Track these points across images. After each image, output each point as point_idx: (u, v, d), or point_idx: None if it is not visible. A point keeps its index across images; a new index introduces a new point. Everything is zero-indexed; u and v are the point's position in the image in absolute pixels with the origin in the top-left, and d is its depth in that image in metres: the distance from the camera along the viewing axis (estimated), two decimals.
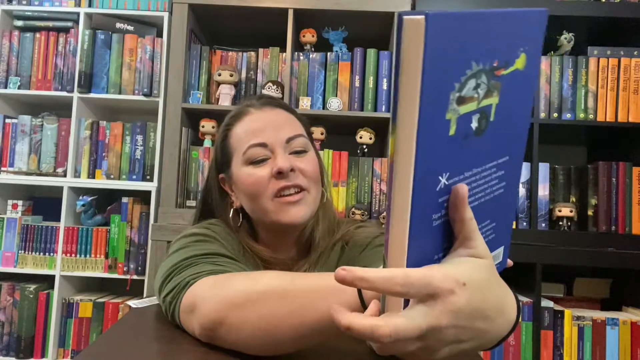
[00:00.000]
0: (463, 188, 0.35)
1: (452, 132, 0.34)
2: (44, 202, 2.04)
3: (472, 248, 0.37)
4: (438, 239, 0.37)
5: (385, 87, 1.76)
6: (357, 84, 1.77)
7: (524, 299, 1.63)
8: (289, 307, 0.52)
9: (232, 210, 0.84)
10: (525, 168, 1.68)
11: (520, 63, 0.39)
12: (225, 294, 0.56)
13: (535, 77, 0.43)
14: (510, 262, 0.52)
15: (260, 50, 1.86)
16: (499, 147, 0.40)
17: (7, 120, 1.95)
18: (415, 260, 0.35)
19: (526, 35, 0.39)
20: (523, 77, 0.40)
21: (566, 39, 1.76)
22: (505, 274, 0.44)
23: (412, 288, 0.33)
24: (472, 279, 0.35)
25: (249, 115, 0.83)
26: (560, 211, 1.68)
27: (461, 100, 0.34)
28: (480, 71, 0.35)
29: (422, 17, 0.29)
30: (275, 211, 0.77)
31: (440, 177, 0.35)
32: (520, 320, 0.42)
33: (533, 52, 0.40)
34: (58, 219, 1.86)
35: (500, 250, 0.47)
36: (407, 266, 0.34)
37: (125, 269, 1.84)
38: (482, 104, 0.36)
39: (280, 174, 0.76)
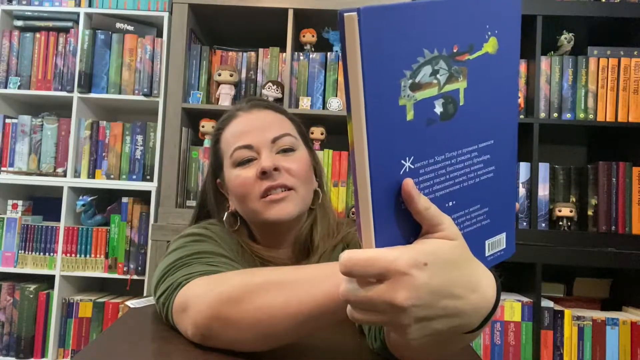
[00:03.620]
0: (407, 183, 0.36)
1: (409, 117, 0.36)
2: (44, 202, 2.04)
3: (440, 231, 0.37)
4: (412, 222, 0.38)
5: None
6: None
7: (524, 299, 1.63)
8: (285, 296, 0.53)
9: (226, 213, 0.84)
10: (525, 168, 1.69)
11: (489, 47, 0.40)
12: (220, 290, 0.57)
13: (516, 60, 0.43)
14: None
15: (260, 50, 1.86)
16: (478, 131, 0.41)
17: (7, 120, 1.95)
18: (387, 243, 0.36)
19: (494, 19, 0.40)
20: (497, 61, 0.41)
21: (566, 39, 1.76)
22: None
23: (354, 268, 0.35)
24: (435, 259, 0.36)
25: (237, 118, 0.84)
26: (560, 211, 1.68)
27: (417, 87, 0.36)
28: (436, 57, 0.36)
29: (355, 13, 0.32)
30: (262, 210, 0.77)
31: (403, 162, 0.36)
32: (499, 300, 0.42)
33: (507, 35, 0.41)
34: (58, 219, 1.86)
35: (502, 236, 0.47)
36: (377, 247, 0.36)
37: (125, 269, 1.84)
38: (445, 89, 0.38)
39: (264, 174, 0.76)
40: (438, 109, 0.37)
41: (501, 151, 0.44)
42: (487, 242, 0.45)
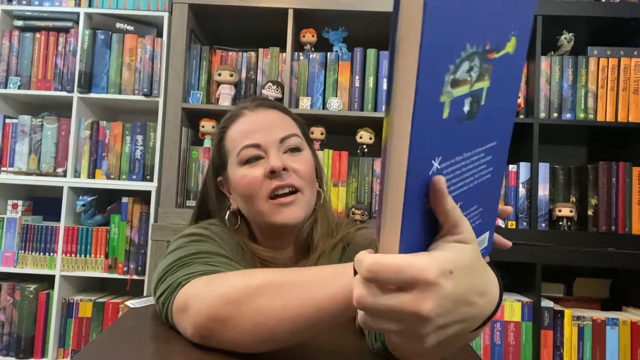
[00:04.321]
0: (440, 181, 0.35)
1: (445, 115, 0.34)
2: (44, 202, 2.04)
3: (459, 234, 0.36)
4: (430, 223, 0.37)
5: (385, 87, 1.76)
6: (357, 84, 1.77)
7: (524, 299, 1.63)
8: (285, 298, 0.53)
9: (228, 212, 0.84)
10: (525, 168, 1.68)
11: (510, 47, 0.39)
12: (220, 291, 0.56)
13: (523, 63, 0.43)
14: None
15: (260, 50, 1.86)
16: (488, 132, 0.40)
17: (7, 120, 1.95)
18: (408, 245, 0.35)
19: (517, 19, 0.39)
20: (512, 62, 0.40)
21: (566, 39, 1.76)
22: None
23: (380, 274, 0.33)
24: (459, 265, 0.35)
25: (243, 117, 0.83)
26: (560, 211, 1.67)
27: (455, 83, 0.34)
28: (473, 54, 0.34)
29: None
30: (269, 213, 0.77)
31: (433, 162, 0.35)
32: (502, 300, 0.41)
33: (523, 36, 0.40)
34: (58, 219, 1.86)
35: (486, 235, 0.47)
36: (400, 252, 0.34)
37: (125, 269, 1.84)
38: (475, 87, 0.36)
39: (273, 173, 0.76)
40: (466, 108, 0.36)
41: (500, 152, 0.43)
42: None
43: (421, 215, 0.36)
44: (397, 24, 0.30)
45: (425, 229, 0.37)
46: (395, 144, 0.32)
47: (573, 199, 1.76)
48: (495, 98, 0.39)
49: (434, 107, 0.33)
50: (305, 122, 0.91)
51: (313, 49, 1.85)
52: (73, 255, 1.85)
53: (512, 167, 1.71)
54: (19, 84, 1.91)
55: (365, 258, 0.34)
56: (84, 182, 1.88)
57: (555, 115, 1.71)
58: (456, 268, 0.34)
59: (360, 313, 0.36)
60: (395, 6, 0.30)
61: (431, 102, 0.32)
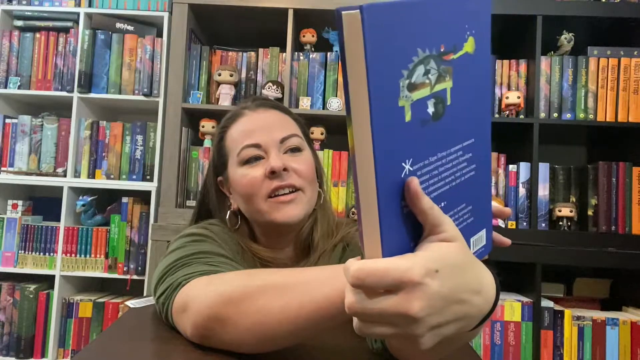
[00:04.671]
0: (413, 182, 0.35)
1: (407, 118, 0.35)
2: (44, 202, 2.04)
3: (442, 233, 0.37)
4: (413, 225, 0.37)
5: None
6: None
7: (524, 299, 1.63)
8: (285, 299, 0.53)
9: (229, 212, 0.84)
10: (525, 168, 1.69)
11: (469, 47, 0.40)
12: (220, 291, 0.56)
13: (488, 60, 0.44)
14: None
15: (260, 50, 1.86)
16: (462, 130, 0.41)
17: (7, 120, 1.95)
18: (392, 251, 0.35)
19: (472, 19, 0.40)
20: (475, 61, 0.41)
21: (566, 39, 1.76)
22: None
23: (367, 279, 0.33)
24: (444, 264, 0.35)
25: (244, 116, 0.84)
26: (560, 211, 1.68)
27: (413, 87, 0.35)
28: (427, 57, 0.36)
29: (357, 11, 0.30)
30: (269, 211, 0.77)
31: (403, 164, 0.35)
32: (499, 298, 0.42)
33: (481, 35, 0.41)
34: (58, 219, 1.86)
35: (483, 233, 0.47)
36: (384, 256, 0.35)
37: (125, 269, 1.84)
38: (436, 89, 0.37)
39: (273, 174, 0.76)
40: (430, 109, 0.37)
41: (480, 149, 0.44)
42: (471, 240, 0.45)
43: (402, 217, 0.36)
44: (342, 35, 0.32)
45: (410, 231, 0.37)
46: (360, 151, 0.33)
47: (573, 199, 1.76)
48: (463, 97, 0.40)
49: (393, 112, 0.34)
50: (305, 122, 0.91)
51: (313, 49, 1.85)
52: (73, 255, 1.85)
53: (512, 167, 1.71)
54: (19, 84, 1.91)
55: (352, 265, 0.34)
56: (84, 182, 1.88)
57: (555, 115, 1.72)
58: (442, 267, 0.35)
59: (354, 320, 0.36)
60: (337, 22, 0.31)
61: (389, 108, 0.33)
